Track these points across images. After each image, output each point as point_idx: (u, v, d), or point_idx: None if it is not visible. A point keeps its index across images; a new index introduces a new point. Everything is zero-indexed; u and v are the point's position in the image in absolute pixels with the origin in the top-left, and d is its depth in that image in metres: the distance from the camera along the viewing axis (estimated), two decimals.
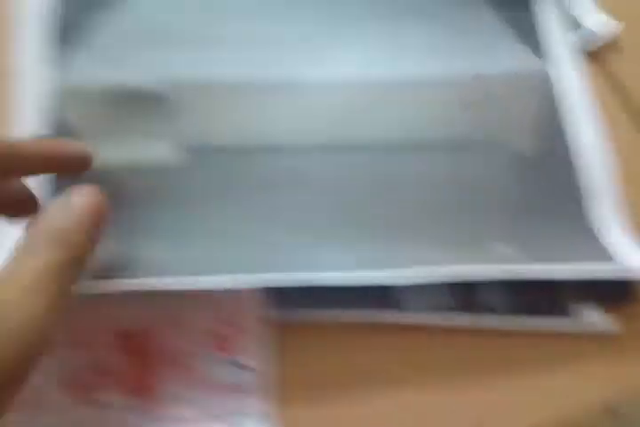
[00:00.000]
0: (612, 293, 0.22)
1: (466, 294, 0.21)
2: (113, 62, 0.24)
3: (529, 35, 0.26)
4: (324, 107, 0.23)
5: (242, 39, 0.25)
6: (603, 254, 0.21)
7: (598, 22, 0.26)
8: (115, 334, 0.20)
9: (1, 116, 0.23)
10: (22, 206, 0.19)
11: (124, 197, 0.22)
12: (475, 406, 0.21)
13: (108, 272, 0.19)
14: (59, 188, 0.21)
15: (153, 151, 0.22)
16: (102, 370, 0.20)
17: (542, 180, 0.23)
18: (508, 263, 0.20)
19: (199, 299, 0.21)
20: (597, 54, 0.26)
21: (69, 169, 0.19)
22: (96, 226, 0.16)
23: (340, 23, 0.25)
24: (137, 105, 0.23)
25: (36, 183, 0.21)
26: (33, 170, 0.18)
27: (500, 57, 0.25)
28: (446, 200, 0.22)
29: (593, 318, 0.21)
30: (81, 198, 0.16)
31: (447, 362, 0.21)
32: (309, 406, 0.20)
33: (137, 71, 0.24)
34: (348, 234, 0.21)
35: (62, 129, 0.23)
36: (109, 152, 0.22)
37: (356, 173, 0.23)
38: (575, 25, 0.26)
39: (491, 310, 0.21)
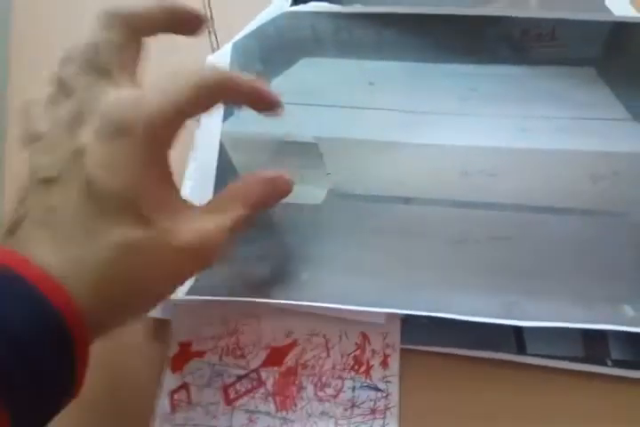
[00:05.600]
0: None
1: (593, 346, 0.22)
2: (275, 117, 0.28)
3: None
4: (454, 166, 0.26)
5: (385, 105, 0.28)
6: None
7: None
8: (268, 349, 0.22)
9: (184, 153, 0.28)
10: None
11: (280, 227, 0.25)
12: None
13: (268, 290, 0.22)
14: None
15: (304, 193, 0.25)
16: (255, 380, 0.22)
17: None
18: (635, 326, 0.21)
19: (346, 325, 0.23)
20: None
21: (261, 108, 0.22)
22: (275, 196, 0.21)
23: (471, 100, 0.28)
24: (292, 154, 0.27)
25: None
26: (240, 101, 0.21)
27: (625, 138, 0.27)
28: (572, 260, 0.24)
29: None
30: (270, 173, 0.21)
31: (559, 403, 0.21)
32: None
33: (294, 126, 0.27)
34: (478, 283, 0.23)
35: (229, 167, 0.27)
36: None
37: (482, 227, 0.24)
38: None
39: (617, 362, 0.22)
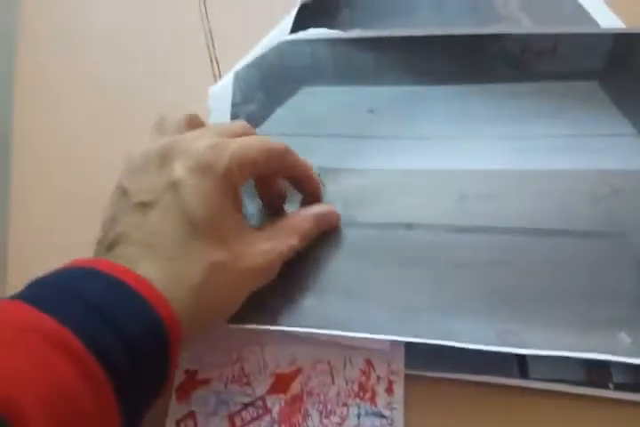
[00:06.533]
0: None
1: (594, 370, 0.22)
2: None
3: None
4: (453, 191, 0.26)
5: (384, 133, 0.29)
6: None
7: None
8: (273, 377, 0.23)
9: None
10: (278, 200, 0.26)
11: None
12: None
13: (271, 317, 0.23)
14: None
15: None
16: (261, 408, 0.22)
17: None
18: (632, 355, 0.21)
19: (351, 351, 0.23)
20: None
21: (303, 184, 0.26)
22: (324, 229, 0.25)
23: (470, 122, 0.29)
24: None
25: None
26: (290, 175, 0.25)
27: (629, 154, 0.27)
28: (570, 285, 0.23)
29: None
30: (322, 208, 0.25)
31: None
32: None
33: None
34: (478, 309, 0.23)
35: None
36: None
37: (483, 253, 0.25)
38: None
39: (619, 386, 0.22)
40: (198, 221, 0.20)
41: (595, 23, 0.33)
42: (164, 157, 0.21)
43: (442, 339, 0.21)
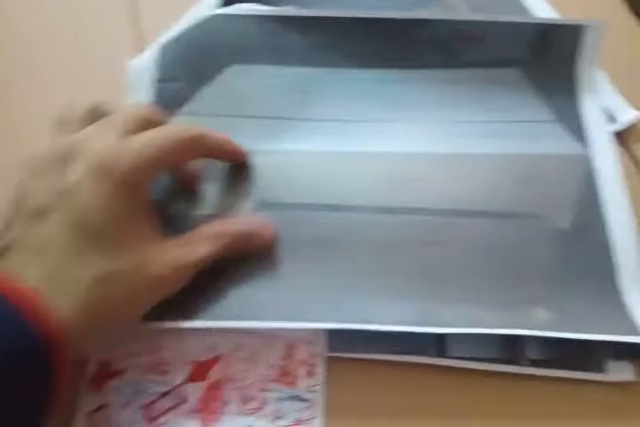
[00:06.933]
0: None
1: (510, 347, 0.22)
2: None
3: (572, 122, 0.28)
4: (382, 173, 0.26)
5: (315, 116, 0.28)
6: (630, 327, 0.22)
7: (621, 110, 0.30)
8: (192, 364, 0.22)
9: None
10: (192, 184, 0.25)
11: None
12: None
13: (190, 309, 0.22)
14: None
15: (234, 204, 0.25)
16: (178, 397, 0.21)
17: (577, 252, 0.25)
18: (547, 329, 0.22)
19: (272, 337, 0.23)
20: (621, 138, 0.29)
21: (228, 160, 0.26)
22: (253, 242, 0.23)
23: (400, 106, 0.29)
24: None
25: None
26: (210, 155, 0.24)
27: (550, 140, 0.28)
28: (491, 264, 0.24)
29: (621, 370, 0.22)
30: (253, 219, 0.24)
31: (483, 404, 0.22)
32: None
33: None
34: (400, 290, 0.23)
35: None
36: (204, 201, 0.25)
37: (408, 233, 0.25)
38: (607, 115, 0.29)
39: (532, 361, 0.22)
40: (92, 229, 0.19)
41: (527, 12, 0.34)
42: (64, 160, 0.20)
43: (363, 322, 0.21)
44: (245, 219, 0.24)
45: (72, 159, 0.20)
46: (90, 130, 0.21)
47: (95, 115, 0.23)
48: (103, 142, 0.20)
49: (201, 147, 0.23)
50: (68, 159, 0.20)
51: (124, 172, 0.20)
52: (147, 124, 0.22)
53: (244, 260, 0.23)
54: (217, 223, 0.23)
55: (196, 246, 0.21)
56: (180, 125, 0.23)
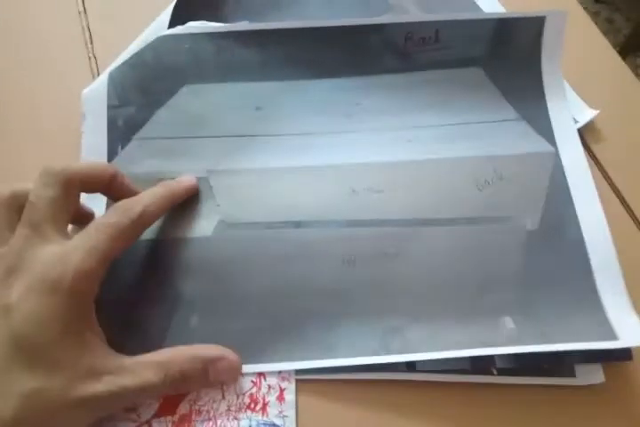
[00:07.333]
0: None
1: (479, 358, 0.22)
2: (162, 153, 0.27)
3: (539, 121, 0.28)
4: (343, 186, 0.26)
5: (272, 131, 0.28)
6: (606, 331, 0.22)
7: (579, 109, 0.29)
8: (160, 399, 0.22)
9: None
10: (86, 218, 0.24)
11: (167, 265, 0.24)
12: None
13: (156, 339, 0.22)
14: None
15: (195, 226, 0.25)
16: None
17: (551, 253, 0.24)
18: (516, 340, 0.22)
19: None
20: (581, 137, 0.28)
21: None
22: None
23: (357, 116, 0.28)
24: None
25: None
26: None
27: (513, 141, 0.27)
28: (458, 273, 0.24)
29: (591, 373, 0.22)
30: (211, 350, 0.21)
31: (456, 415, 0.22)
32: None
33: (184, 161, 0.27)
34: (363, 309, 0.23)
35: None
36: (160, 225, 0.25)
37: (369, 246, 0.24)
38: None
39: (502, 371, 0.22)
40: (29, 345, 0.18)
41: (478, 9, 0.34)
42: (6, 274, 0.19)
43: (327, 352, 0.21)
44: (198, 348, 0.21)
45: (12, 271, 0.19)
46: (21, 235, 0.20)
47: (15, 201, 0.21)
48: (42, 252, 0.20)
49: (150, 219, 0.22)
50: (8, 270, 0.20)
51: (70, 282, 0.19)
52: (75, 190, 0.21)
53: (208, 283, 0.23)
54: (165, 351, 0.21)
55: (140, 373, 0.20)
56: (119, 209, 0.21)
